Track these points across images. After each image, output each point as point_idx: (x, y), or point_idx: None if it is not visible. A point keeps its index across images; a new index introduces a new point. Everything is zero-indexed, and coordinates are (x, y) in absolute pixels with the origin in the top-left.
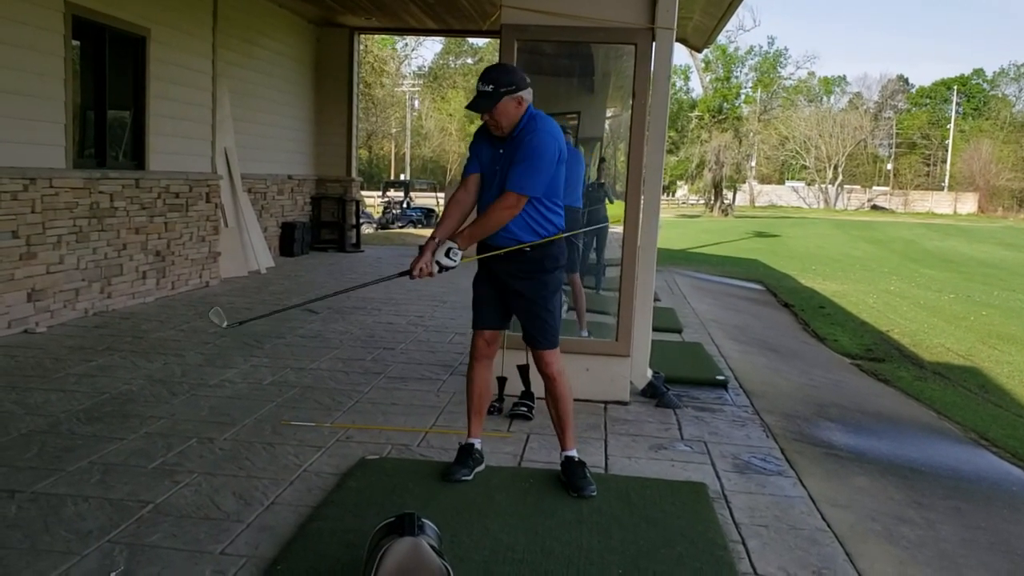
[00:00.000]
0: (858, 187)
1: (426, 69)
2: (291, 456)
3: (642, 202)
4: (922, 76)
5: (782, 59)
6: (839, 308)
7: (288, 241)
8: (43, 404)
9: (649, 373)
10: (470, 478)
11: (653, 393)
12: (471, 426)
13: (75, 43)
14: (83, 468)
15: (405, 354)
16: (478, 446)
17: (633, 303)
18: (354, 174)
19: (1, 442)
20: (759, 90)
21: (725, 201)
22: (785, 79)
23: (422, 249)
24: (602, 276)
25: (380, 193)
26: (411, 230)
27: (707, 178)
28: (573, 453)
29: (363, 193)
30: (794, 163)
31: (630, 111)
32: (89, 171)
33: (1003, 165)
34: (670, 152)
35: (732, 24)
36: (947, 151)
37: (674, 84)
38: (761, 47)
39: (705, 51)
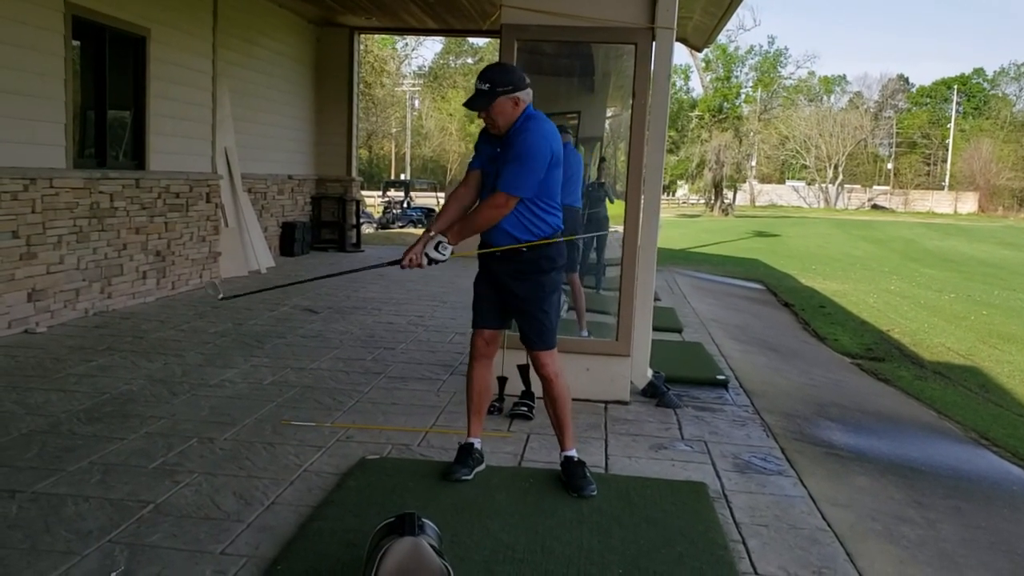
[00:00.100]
0: (858, 187)
1: (426, 69)
2: (291, 456)
3: (642, 202)
4: (922, 75)
5: (782, 58)
6: (839, 308)
7: (288, 241)
8: (43, 404)
9: (649, 373)
10: (470, 478)
11: (653, 393)
12: (471, 426)
13: (75, 43)
14: (83, 468)
15: (405, 354)
16: (478, 446)
17: (633, 303)
18: (354, 174)
19: (2, 442)
20: (759, 89)
21: (725, 201)
22: (785, 79)
23: (417, 241)
24: (602, 276)
25: (380, 193)
26: (411, 230)
27: (707, 178)
28: (573, 453)
29: (363, 193)
30: (794, 163)
31: (630, 111)
32: (89, 171)
33: (1003, 164)
34: (670, 152)
35: (732, 23)
36: (947, 150)
37: (674, 84)
38: (761, 46)
39: (705, 51)
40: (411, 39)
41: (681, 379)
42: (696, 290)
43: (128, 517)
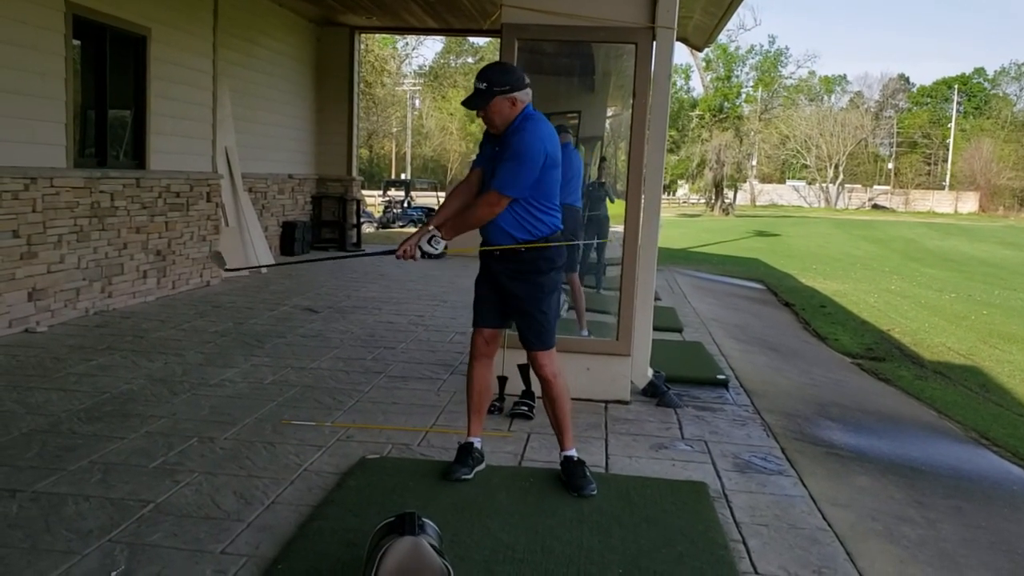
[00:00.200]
0: (859, 186)
1: (427, 68)
2: (292, 455)
3: (643, 201)
4: (923, 75)
5: (783, 58)
6: (840, 307)
7: (289, 240)
8: (44, 403)
9: (650, 372)
10: (470, 477)
11: (654, 392)
12: (471, 425)
13: (76, 43)
14: (84, 467)
15: (406, 353)
16: (478, 445)
17: (634, 302)
18: (355, 173)
19: (2, 441)
20: (760, 89)
21: (726, 200)
22: (786, 78)
23: (413, 233)
24: (602, 275)
25: (381, 192)
26: (412, 229)
27: (708, 177)
28: (572, 453)
29: (364, 192)
30: (795, 162)
31: (631, 110)
32: (90, 170)
33: (1004, 164)
34: (671, 151)
35: (733, 23)
36: (948, 150)
37: (675, 83)
38: (762, 46)
39: (706, 50)
40: (411, 38)
41: (681, 379)
42: (696, 290)
43: (128, 516)
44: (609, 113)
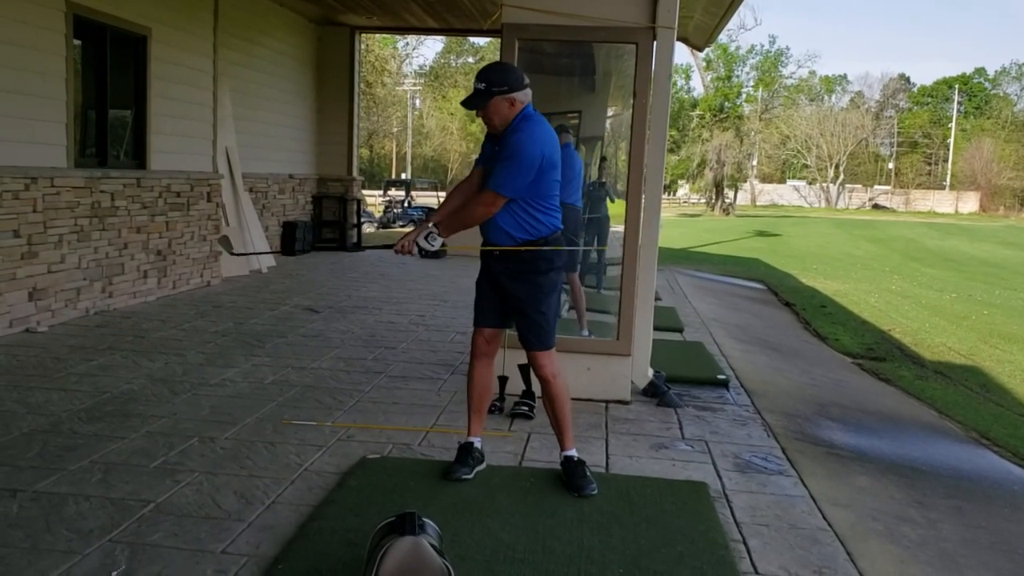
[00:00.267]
0: (859, 186)
1: (427, 68)
2: (292, 455)
3: (643, 201)
4: (923, 75)
5: (783, 58)
6: (840, 307)
7: (289, 240)
8: (44, 403)
9: (650, 372)
10: (471, 477)
11: (654, 392)
12: (471, 425)
13: (76, 42)
14: (84, 467)
15: (406, 353)
16: (478, 445)
17: (634, 302)
18: (355, 173)
19: (3, 441)
20: (760, 89)
21: (726, 200)
22: (786, 78)
23: (413, 229)
24: (603, 275)
25: (381, 192)
26: (411, 230)
27: (708, 177)
28: (573, 453)
29: (364, 192)
30: (795, 162)
31: (631, 110)
32: (90, 170)
33: (1005, 164)
34: (671, 151)
35: (733, 23)
36: (948, 150)
37: (675, 83)
38: (762, 46)
39: (706, 50)
40: (412, 38)
41: (682, 379)
42: (697, 289)
43: (129, 516)
44: (610, 113)
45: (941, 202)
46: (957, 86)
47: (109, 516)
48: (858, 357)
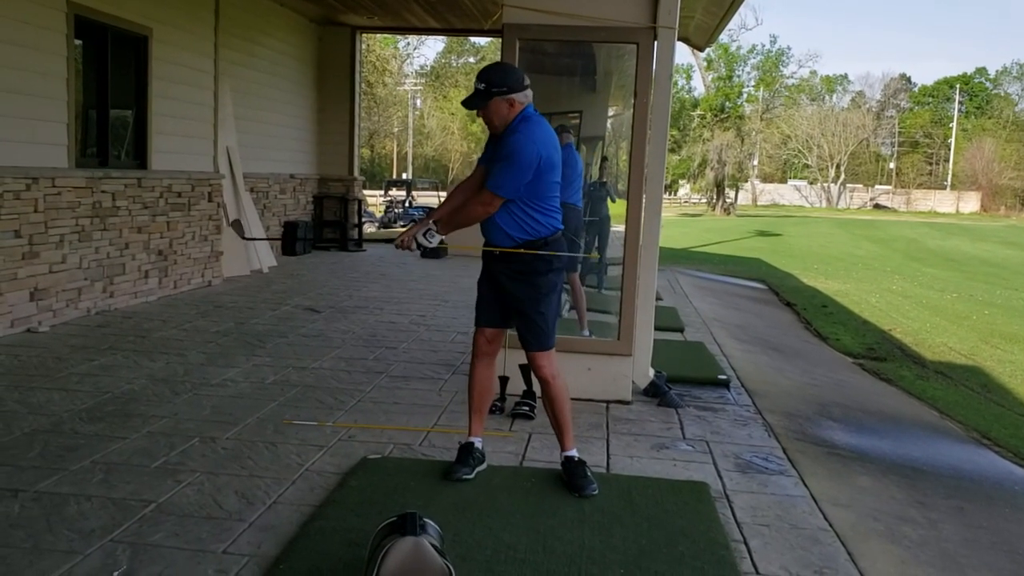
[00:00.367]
0: (860, 186)
1: (428, 68)
2: (293, 455)
3: (644, 201)
4: (925, 75)
5: (784, 58)
6: (841, 307)
7: (290, 240)
8: (46, 403)
9: (651, 372)
10: (471, 477)
11: (655, 392)
12: (472, 425)
13: (77, 42)
14: (86, 467)
15: (407, 353)
16: (479, 445)
17: (635, 302)
18: (356, 173)
19: (4, 441)
20: (761, 89)
21: (727, 200)
22: (787, 78)
23: (414, 225)
24: (604, 275)
25: (382, 192)
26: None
27: (709, 177)
28: (573, 453)
29: (365, 192)
30: (796, 162)
31: (632, 110)
32: (91, 170)
33: (1006, 164)
34: (672, 151)
35: (734, 23)
36: (950, 150)
37: (676, 83)
38: (763, 46)
39: (707, 50)
40: (413, 38)
41: (683, 379)
42: (698, 289)
43: (130, 516)
44: (610, 113)
45: (942, 202)
46: (958, 86)
47: (110, 516)
48: (859, 357)
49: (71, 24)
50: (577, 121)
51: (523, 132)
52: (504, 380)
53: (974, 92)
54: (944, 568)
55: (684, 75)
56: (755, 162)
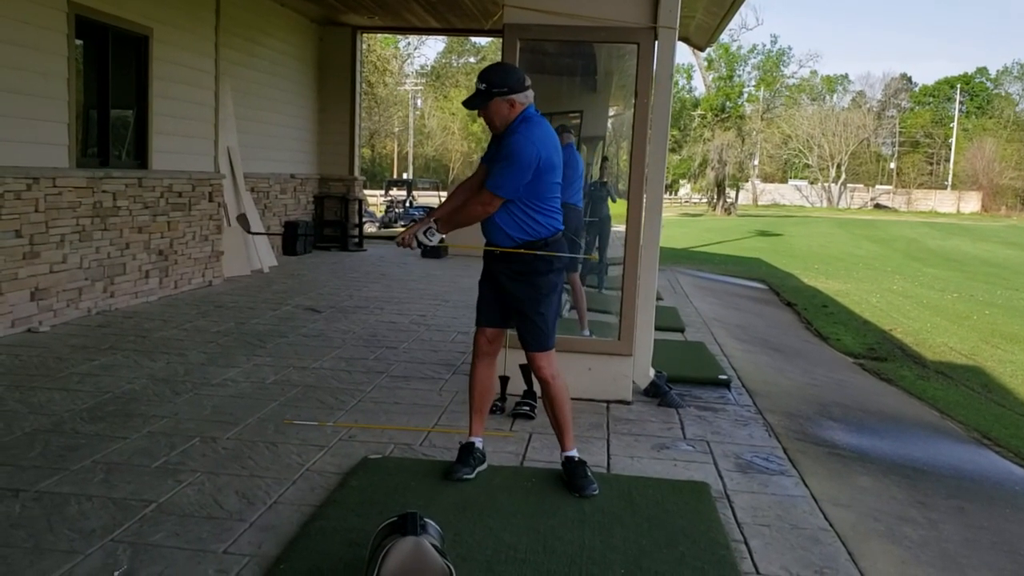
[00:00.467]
0: (861, 186)
1: (428, 68)
2: (294, 455)
3: (644, 201)
4: (925, 74)
5: (785, 58)
6: (842, 307)
7: (291, 240)
8: (47, 403)
9: (651, 372)
10: (472, 477)
11: (656, 392)
12: (473, 425)
13: (78, 43)
14: (86, 467)
15: (408, 353)
16: (479, 445)
17: (635, 302)
18: (357, 173)
19: (5, 441)
20: (762, 89)
21: (728, 200)
22: (788, 78)
23: (415, 223)
24: (604, 275)
25: (383, 192)
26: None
27: (710, 177)
28: (573, 453)
29: (366, 192)
30: (797, 162)
31: (633, 110)
32: (92, 170)
33: (1006, 164)
34: (673, 151)
35: (735, 23)
36: (950, 150)
37: (677, 83)
38: (764, 46)
39: (708, 50)
40: (413, 38)
41: (683, 379)
42: (698, 289)
43: (131, 516)
44: (611, 113)
45: (943, 202)
46: (959, 86)
47: (111, 516)
48: (860, 357)
49: (72, 24)
50: (578, 121)
51: (522, 133)
52: (504, 380)
53: (975, 92)
54: (945, 568)
55: (685, 75)
56: (756, 162)
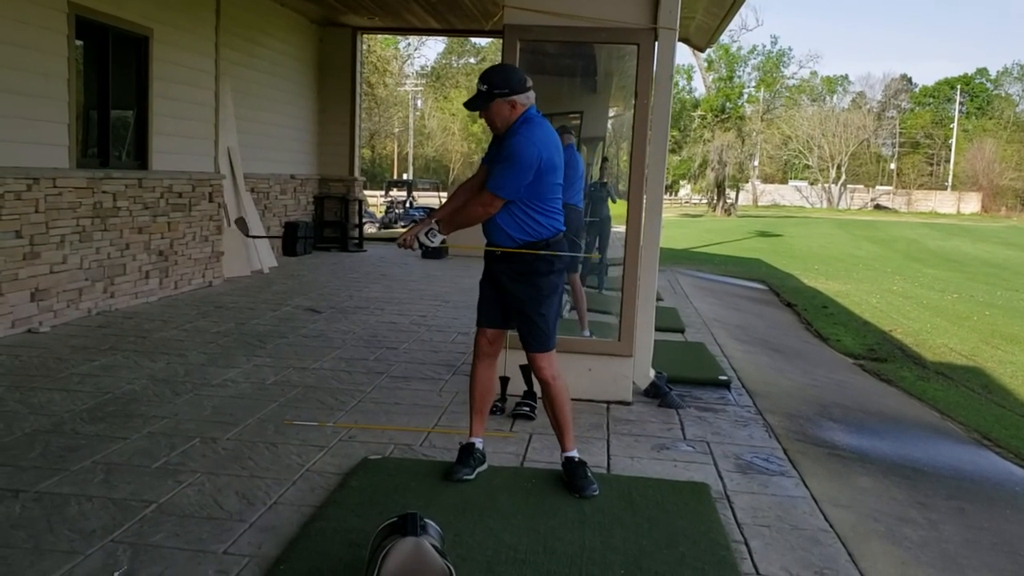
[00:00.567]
0: (861, 187)
1: (429, 69)
2: (294, 456)
3: (644, 201)
4: (925, 75)
5: (785, 58)
6: (842, 308)
7: (291, 241)
8: (47, 404)
9: (652, 373)
10: (472, 478)
11: (656, 393)
12: (473, 425)
13: (78, 43)
14: (87, 468)
15: (408, 354)
16: (479, 445)
17: (636, 303)
18: (357, 174)
19: (5, 441)
20: (762, 89)
21: (728, 200)
22: (788, 78)
23: (416, 224)
24: (604, 276)
25: (383, 193)
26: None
27: (710, 177)
28: (573, 454)
29: (366, 192)
30: (797, 163)
31: (633, 111)
32: (92, 171)
33: (1006, 164)
34: (673, 151)
35: (735, 23)
36: (950, 150)
37: (677, 83)
38: (764, 46)
39: (708, 51)
40: (414, 39)
41: (683, 379)
42: (698, 290)
43: (131, 517)
44: (611, 113)
45: (943, 203)
46: (959, 86)
47: (111, 516)
48: (860, 358)
49: (72, 25)
50: (578, 122)
51: (523, 134)
52: (505, 381)
53: (975, 93)
54: (945, 569)
55: (685, 76)
56: (756, 163)
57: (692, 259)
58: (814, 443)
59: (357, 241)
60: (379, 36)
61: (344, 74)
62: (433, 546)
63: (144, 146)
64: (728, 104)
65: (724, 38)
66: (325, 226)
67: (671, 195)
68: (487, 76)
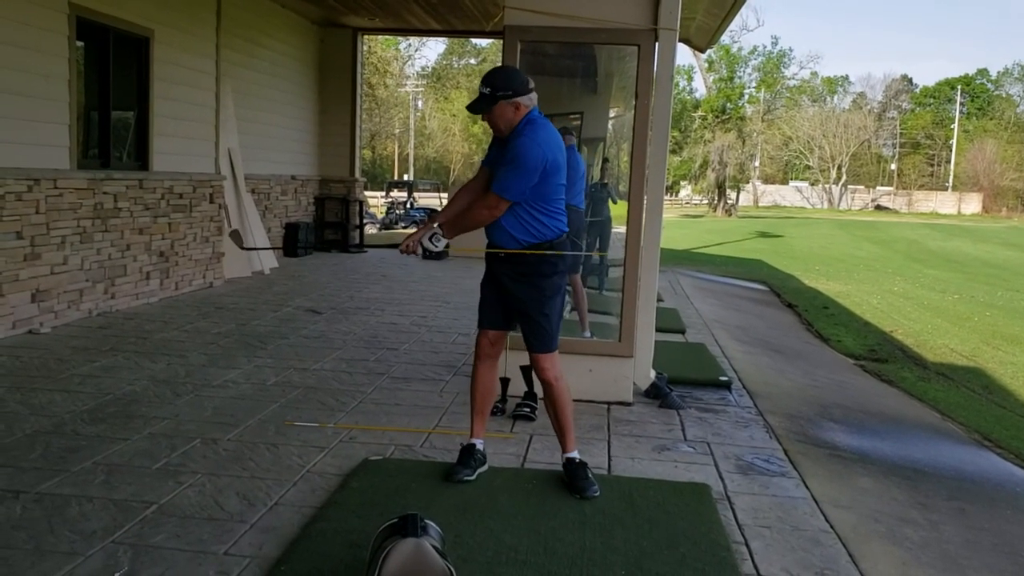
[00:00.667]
0: (862, 187)
1: (429, 70)
2: (294, 457)
3: (645, 202)
4: (926, 76)
5: (785, 59)
6: (843, 309)
7: (291, 241)
8: (47, 405)
9: (652, 374)
10: (473, 479)
11: (656, 394)
12: (474, 426)
13: (79, 44)
14: (87, 469)
15: (408, 355)
16: (480, 447)
17: (636, 303)
18: (357, 174)
19: (6, 442)
20: (762, 90)
21: (728, 201)
22: (788, 79)
23: (419, 228)
24: (605, 276)
25: (383, 193)
26: (414, 231)
27: (710, 178)
28: (574, 455)
29: (366, 193)
30: (798, 163)
31: (633, 111)
32: (93, 172)
33: (1007, 165)
34: (673, 152)
35: (735, 24)
36: (951, 151)
37: (677, 84)
38: (764, 47)
39: (708, 51)
40: (414, 40)
41: (684, 380)
42: (699, 291)
43: (132, 518)
44: (612, 114)
45: (943, 203)
46: (960, 87)
47: (112, 517)
48: (860, 358)
49: (72, 26)
50: (578, 122)
51: (528, 135)
52: (505, 382)
53: (975, 93)
54: (945, 570)
55: (685, 76)
56: (756, 163)
57: (693, 260)
58: (815, 444)
59: (357, 242)
60: (380, 37)
61: (345, 75)
62: (434, 547)
63: (145, 147)
64: (729, 105)
65: (725, 39)
66: (326, 227)
67: (671, 196)
68: (490, 78)
